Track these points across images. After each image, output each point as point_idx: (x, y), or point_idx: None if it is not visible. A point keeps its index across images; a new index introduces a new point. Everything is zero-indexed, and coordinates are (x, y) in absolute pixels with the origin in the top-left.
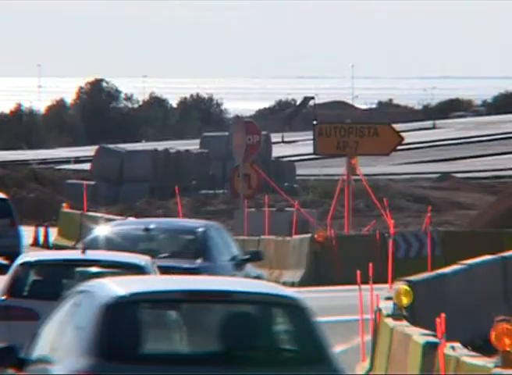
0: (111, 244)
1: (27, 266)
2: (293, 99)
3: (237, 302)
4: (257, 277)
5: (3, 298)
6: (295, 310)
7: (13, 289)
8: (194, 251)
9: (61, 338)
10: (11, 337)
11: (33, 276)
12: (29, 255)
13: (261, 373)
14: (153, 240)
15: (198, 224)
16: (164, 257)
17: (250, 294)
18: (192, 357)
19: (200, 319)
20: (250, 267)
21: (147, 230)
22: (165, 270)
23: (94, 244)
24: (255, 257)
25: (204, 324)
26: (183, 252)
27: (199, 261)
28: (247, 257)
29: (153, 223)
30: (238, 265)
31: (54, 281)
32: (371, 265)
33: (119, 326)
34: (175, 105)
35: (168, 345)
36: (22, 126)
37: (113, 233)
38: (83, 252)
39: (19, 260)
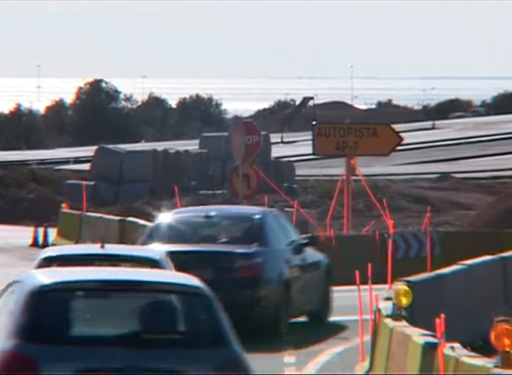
0: (173, 231)
1: (50, 260)
2: (292, 99)
3: (147, 291)
4: (317, 263)
5: None
6: (200, 298)
7: None
8: (250, 237)
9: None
10: None
11: None
12: (51, 250)
13: (166, 353)
14: (212, 226)
15: (256, 211)
16: (222, 243)
17: (159, 284)
18: (105, 339)
19: (114, 305)
20: (310, 252)
21: (207, 217)
22: (221, 255)
23: (156, 232)
24: (312, 242)
25: (119, 310)
26: (240, 238)
27: (254, 246)
28: (304, 242)
29: (213, 210)
30: (296, 249)
31: None
32: (370, 265)
33: (41, 311)
34: (174, 106)
35: (84, 328)
36: (21, 127)
37: (175, 220)
38: (102, 247)
39: (43, 254)
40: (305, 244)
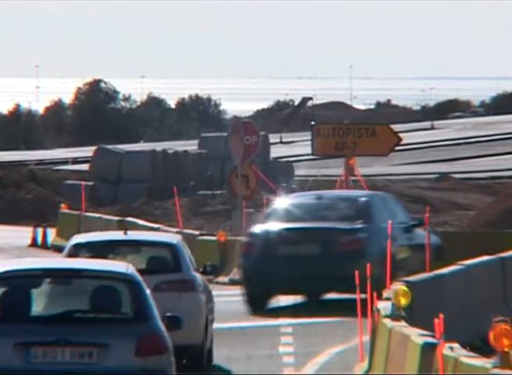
0: (289, 213)
1: (79, 246)
2: (291, 100)
3: (85, 277)
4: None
5: None
6: (126, 282)
7: None
8: (356, 216)
9: None
10: None
11: (84, 255)
12: (80, 237)
13: (93, 328)
14: (323, 208)
15: (363, 194)
16: (330, 220)
17: (94, 271)
18: (42, 318)
19: (53, 289)
20: (420, 232)
21: (319, 198)
22: (328, 231)
23: (273, 214)
24: (420, 223)
25: (57, 293)
26: (347, 216)
27: (359, 223)
28: (413, 223)
29: (324, 193)
30: (406, 229)
31: (101, 258)
32: (369, 265)
33: None
34: (173, 106)
35: (27, 309)
36: (20, 127)
37: (290, 203)
38: (125, 234)
39: (72, 241)
40: (414, 226)
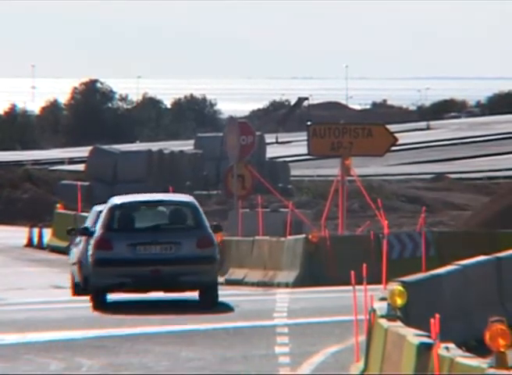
0: None
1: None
2: (286, 100)
3: (165, 204)
4: None
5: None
6: (191, 207)
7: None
8: None
9: None
10: None
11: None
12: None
13: (171, 233)
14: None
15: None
16: None
17: (170, 201)
18: (143, 228)
19: (150, 212)
20: None
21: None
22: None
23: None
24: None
25: (152, 214)
26: None
27: None
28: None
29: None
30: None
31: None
32: (365, 265)
33: (113, 216)
34: (169, 106)
35: (134, 223)
36: (16, 127)
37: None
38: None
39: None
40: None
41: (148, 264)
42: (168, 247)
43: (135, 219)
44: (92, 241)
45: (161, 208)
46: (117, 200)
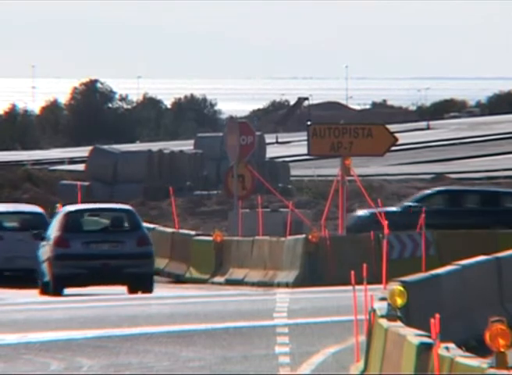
0: None
1: (69, 213)
2: (286, 100)
3: (107, 211)
4: None
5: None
6: (129, 213)
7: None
8: None
9: None
10: None
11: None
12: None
13: (117, 234)
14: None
15: None
16: None
17: (112, 209)
18: (94, 230)
19: (95, 218)
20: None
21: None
22: None
23: None
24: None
25: (99, 222)
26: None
27: None
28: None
29: None
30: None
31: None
32: (365, 265)
33: (69, 221)
34: (169, 106)
35: (83, 226)
36: (16, 127)
37: None
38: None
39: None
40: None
41: (99, 258)
42: (114, 245)
43: (86, 223)
44: (51, 241)
45: (105, 213)
46: (70, 208)
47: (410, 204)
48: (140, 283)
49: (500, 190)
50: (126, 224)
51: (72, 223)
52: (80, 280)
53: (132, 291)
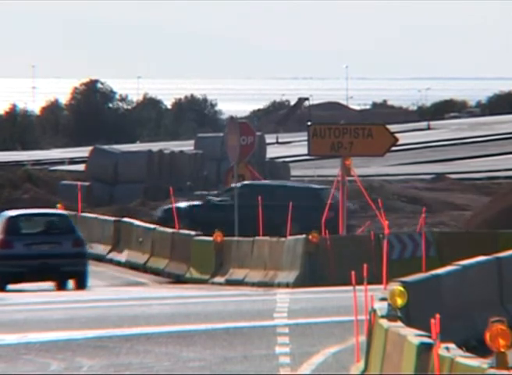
0: None
1: (11, 217)
2: (287, 100)
3: (43, 216)
4: None
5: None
6: (64, 217)
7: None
8: None
9: None
10: None
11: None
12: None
13: (53, 235)
14: None
15: None
16: None
17: (48, 213)
18: (33, 233)
19: (32, 222)
20: None
21: None
22: None
23: None
24: None
25: (34, 223)
26: None
27: None
28: None
29: None
30: None
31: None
32: (365, 266)
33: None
34: (169, 106)
35: (22, 229)
36: (16, 127)
37: None
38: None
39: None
40: None
41: (39, 258)
42: (53, 246)
43: (26, 226)
44: None
45: (43, 218)
46: (11, 213)
47: (212, 198)
48: (76, 280)
49: (301, 185)
50: (62, 227)
51: (13, 226)
52: (22, 277)
53: (62, 287)
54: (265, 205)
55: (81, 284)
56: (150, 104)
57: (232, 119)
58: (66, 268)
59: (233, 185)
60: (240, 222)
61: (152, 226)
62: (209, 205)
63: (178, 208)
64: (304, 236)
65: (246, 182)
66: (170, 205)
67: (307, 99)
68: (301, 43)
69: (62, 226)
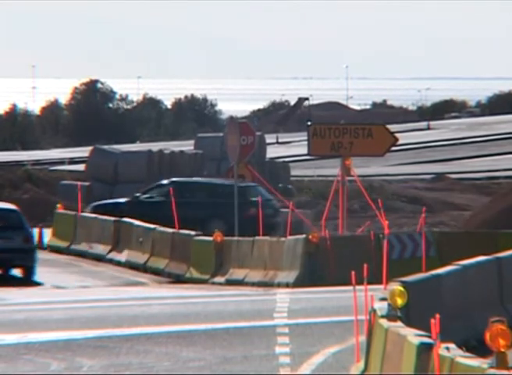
0: None
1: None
2: (287, 100)
3: None
4: None
5: None
6: (16, 213)
7: None
8: None
9: None
10: None
11: None
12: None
13: (7, 231)
14: None
15: None
16: None
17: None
18: None
19: None
20: None
21: None
22: None
23: None
24: None
25: None
26: None
27: None
28: None
29: None
30: None
31: None
32: (365, 265)
33: None
34: (169, 106)
35: None
36: (16, 127)
37: None
38: None
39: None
40: None
41: None
42: (5, 241)
43: None
44: None
45: None
46: None
47: (138, 194)
48: (25, 273)
49: (227, 183)
50: (13, 223)
51: None
52: None
53: (7, 276)
54: (190, 202)
55: (30, 275)
56: (150, 104)
57: (232, 119)
58: (17, 261)
59: (164, 182)
60: (166, 218)
61: (152, 225)
62: (136, 202)
63: (106, 205)
64: (303, 236)
65: (173, 179)
66: (100, 202)
67: (306, 99)
68: (301, 43)
69: (14, 221)
